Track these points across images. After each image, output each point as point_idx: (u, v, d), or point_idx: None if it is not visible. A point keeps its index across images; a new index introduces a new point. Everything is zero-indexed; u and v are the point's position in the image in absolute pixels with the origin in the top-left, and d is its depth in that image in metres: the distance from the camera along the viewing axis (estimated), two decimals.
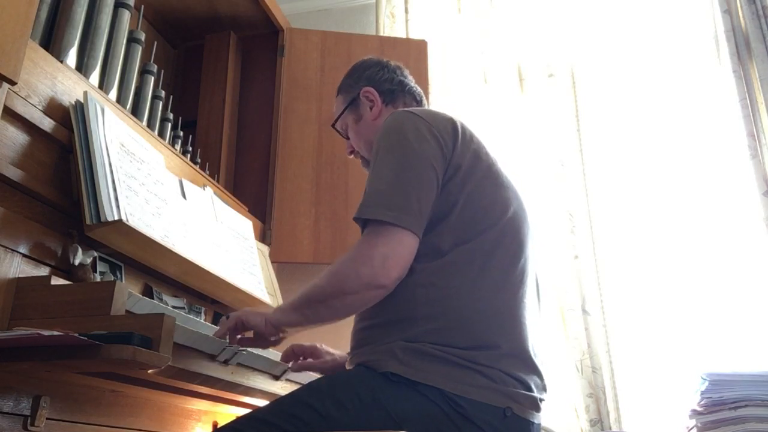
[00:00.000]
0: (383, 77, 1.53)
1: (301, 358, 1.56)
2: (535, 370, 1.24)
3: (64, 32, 1.63)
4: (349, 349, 1.34)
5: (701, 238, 2.52)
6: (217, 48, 2.67)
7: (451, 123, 1.34)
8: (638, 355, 2.46)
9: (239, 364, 1.44)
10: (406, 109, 1.41)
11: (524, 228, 1.34)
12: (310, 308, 1.24)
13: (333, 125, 1.60)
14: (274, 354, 1.57)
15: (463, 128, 1.35)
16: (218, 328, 1.36)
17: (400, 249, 1.18)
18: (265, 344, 1.37)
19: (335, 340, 1.63)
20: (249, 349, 1.43)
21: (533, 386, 1.22)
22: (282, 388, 1.60)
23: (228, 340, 1.36)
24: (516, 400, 1.17)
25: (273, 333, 1.30)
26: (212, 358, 1.35)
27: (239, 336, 1.37)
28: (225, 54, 2.66)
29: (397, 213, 1.19)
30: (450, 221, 1.24)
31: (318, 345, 1.56)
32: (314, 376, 1.62)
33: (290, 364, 1.55)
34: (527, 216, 1.37)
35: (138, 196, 1.55)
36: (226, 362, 1.40)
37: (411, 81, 1.58)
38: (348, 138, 1.58)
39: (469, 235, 1.24)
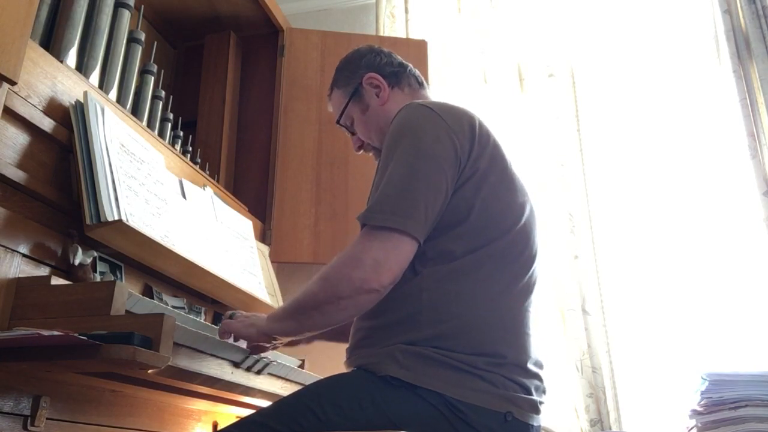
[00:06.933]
0: (382, 61, 1.48)
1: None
2: (536, 376, 1.23)
3: (64, 32, 1.63)
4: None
5: (701, 238, 2.52)
6: (217, 48, 2.67)
7: (468, 121, 1.27)
8: (638, 355, 2.46)
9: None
10: (422, 102, 1.32)
11: (534, 235, 1.30)
12: (305, 315, 1.20)
13: (338, 122, 1.53)
14: (283, 358, 1.58)
15: (481, 127, 1.29)
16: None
17: (394, 254, 1.15)
18: (261, 351, 1.41)
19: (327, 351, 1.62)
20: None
21: (533, 390, 1.21)
22: (282, 388, 1.60)
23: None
24: (516, 404, 1.15)
25: (267, 341, 1.32)
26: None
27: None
28: (225, 54, 2.65)
29: (401, 218, 1.15)
30: (464, 226, 1.21)
31: None
32: (316, 376, 1.62)
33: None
34: (536, 221, 1.34)
35: (138, 196, 1.55)
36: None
37: (409, 63, 1.53)
38: (354, 133, 1.51)
39: (481, 242, 1.21)
